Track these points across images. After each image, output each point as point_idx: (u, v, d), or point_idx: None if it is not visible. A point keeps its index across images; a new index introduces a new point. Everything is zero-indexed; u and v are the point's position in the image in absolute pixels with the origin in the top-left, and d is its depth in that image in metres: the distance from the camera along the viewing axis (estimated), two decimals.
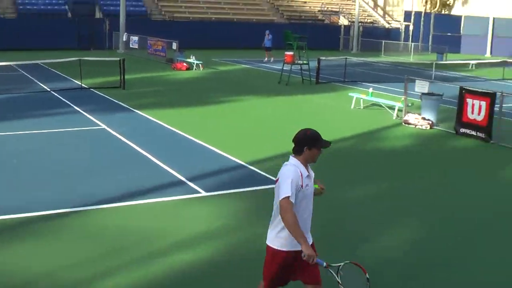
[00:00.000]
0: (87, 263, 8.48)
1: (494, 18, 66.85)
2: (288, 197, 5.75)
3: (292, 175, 5.86)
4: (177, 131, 17.83)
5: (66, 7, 51.27)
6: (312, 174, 6.20)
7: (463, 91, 19.04)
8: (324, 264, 5.89)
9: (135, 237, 9.55)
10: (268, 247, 6.13)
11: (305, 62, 30.43)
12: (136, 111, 21.07)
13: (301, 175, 5.92)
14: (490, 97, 18.12)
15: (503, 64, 41.35)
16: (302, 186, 5.90)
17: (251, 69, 38.49)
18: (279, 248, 6.01)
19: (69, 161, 14.20)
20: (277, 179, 6.00)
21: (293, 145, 6.12)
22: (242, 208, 11.21)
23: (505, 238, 10.30)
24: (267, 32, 43.77)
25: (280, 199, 5.79)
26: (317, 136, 6.10)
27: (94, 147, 15.73)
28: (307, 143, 6.02)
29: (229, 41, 52.71)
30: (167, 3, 57.15)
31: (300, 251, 5.80)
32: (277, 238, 6.00)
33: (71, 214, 10.46)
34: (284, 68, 30.77)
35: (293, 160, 6.08)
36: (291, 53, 30.18)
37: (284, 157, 14.90)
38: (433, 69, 36.32)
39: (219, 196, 11.85)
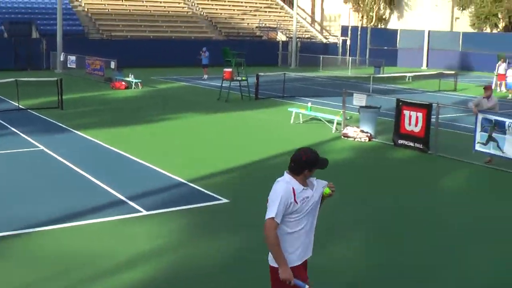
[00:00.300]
0: (30, 287, 8.32)
1: (429, 31, 68.22)
2: (273, 218, 5.69)
3: (281, 194, 5.74)
4: (116, 150, 17.65)
5: (2, 27, 50.37)
6: (316, 183, 6.10)
7: (400, 103, 19.38)
8: (306, 287, 5.76)
9: (77, 258, 9.39)
10: (273, 268, 5.96)
11: (243, 78, 30.54)
12: (75, 131, 20.80)
13: (294, 192, 5.79)
14: (427, 109, 18.48)
15: (439, 76, 42.19)
16: (296, 202, 5.78)
17: (190, 86, 38.40)
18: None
19: (8, 184, 13.94)
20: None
21: (292, 163, 5.92)
22: (184, 225, 11.15)
23: (445, 246, 10.49)
24: (203, 49, 43.70)
25: (265, 218, 5.74)
26: (317, 158, 5.95)
27: (32, 169, 15.45)
28: (308, 166, 5.89)
29: (167, 59, 52.48)
30: (105, 21, 56.70)
31: (306, 261, 5.99)
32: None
33: (12, 238, 10.25)
34: (223, 85, 30.78)
35: (287, 176, 5.93)
36: (229, 69, 30.24)
37: (225, 174, 15.04)
38: (371, 83, 36.89)
39: (160, 214, 11.76)
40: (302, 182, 5.90)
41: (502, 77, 39.57)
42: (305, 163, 5.87)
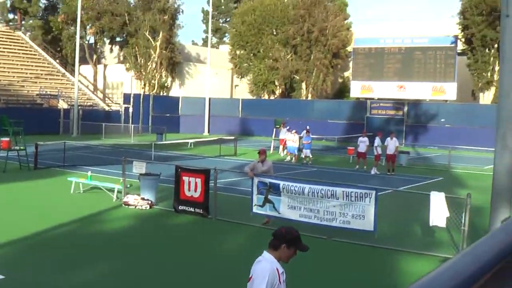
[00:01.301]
0: None
1: (210, 99, 70.16)
2: None
3: (268, 274, 5.62)
4: None
5: None
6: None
7: (179, 169, 19.64)
8: None
9: None
10: None
11: (21, 147, 29.54)
12: None
13: (278, 272, 5.72)
14: (205, 174, 18.88)
15: (220, 141, 43.37)
16: (280, 281, 5.70)
17: None
18: None
19: None
20: (251, 276, 5.74)
21: (272, 237, 5.94)
22: None
23: None
24: None
25: None
26: (297, 237, 5.94)
27: None
28: (287, 241, 5.84)
29: None
30: None
31: None
32: None
33: None
34: (0, 155, 29.56)
35: (267, 255, 5.85)
36: (7, 139, 29.19)
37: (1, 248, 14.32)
38: (153, 150, 37.09)
39: None
40: (278, 259, 5.87)
41: (283, 141, 41.67)
42: (284, 236, 5.89)
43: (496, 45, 59.03)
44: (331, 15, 75.53)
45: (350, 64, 73.87)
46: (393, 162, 33.61)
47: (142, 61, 75.80)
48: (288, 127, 42.20)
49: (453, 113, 60.34)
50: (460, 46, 66.78)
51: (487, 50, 64.47)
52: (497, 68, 56.74)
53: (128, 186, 21.68)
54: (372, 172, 32.96)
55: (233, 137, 46.10)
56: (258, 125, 65.76)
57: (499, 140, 14.15)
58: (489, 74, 64.26)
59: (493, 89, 62.86)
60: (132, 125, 60.88)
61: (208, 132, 68.85)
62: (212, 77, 73.64)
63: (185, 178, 19.18)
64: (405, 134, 60.94)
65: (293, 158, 38.96)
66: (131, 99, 67.50)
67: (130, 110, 66.72)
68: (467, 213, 14.70)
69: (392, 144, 33.46)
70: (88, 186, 23.30)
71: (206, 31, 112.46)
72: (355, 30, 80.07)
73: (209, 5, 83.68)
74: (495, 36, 58.44)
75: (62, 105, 63.63)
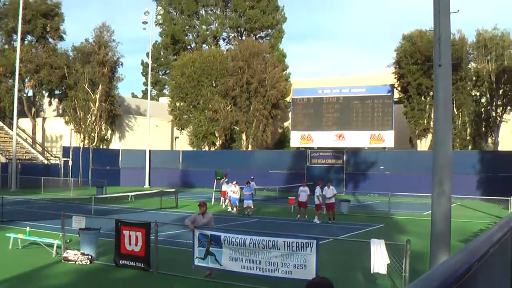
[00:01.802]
0: None
1: (150, 151, 69.85)
2: None
3: None
4: None
5: None
6: None
7: (119, 223, 19.43)
8: None
9: None
10: None
11: None
12: None
13: None
14: (145, 228, 18.72)
15: (161, 194, 43.13)
16: None
17: None
18: None
19: None
20: None
21: None
22: None
23: None
24: None
25: None
26: (317, 285, 5.68)
27: None
28: None
29: None
30: None
31: None
32: None
33: None
34: None
35: None
36: None
37: None
38: (93, 203, 36.62)
39: None
40: None
41: (224, 193, 41.79)
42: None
43: (431, 93, 60.43)
44: (269, 66, 76.42)
45: (290, 114, 74.57)
46: (333, 210, 33.78)
47: (81, 114, 75.24)
48: (226, 180, 42.40)
49: (392, 160, 61.30)
50: (397, 94, 68.25)
51: (422, 98, 66.06)
52: (433, 115, 58.05)
53: (68, 241, 21.32)
54: (315, 221, 33.05)
55: (174, 189, 45.90)
56: (199, 177, 65.67)
57: (436, 186, 14.41)
58: (425, 121, 65.75)
59: (430, 135, 64.20)
60: (72, 179, 60.15)
61: (149, 184, 68.39)
62: (152, 129, 73.48)
63: (126, 232, 18.97)
64: (345, 182, 61.64)
65: (235, 209, 38.92)
66: (71, 152, 66.71)
67: (70, 163, 65.93)
68: (407, 259, 14.88)
69: (330, 192, 33.69)
70: (27, 241, 22.86)
71: (145, 83, 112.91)
72: (294, 81, 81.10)
73: (148, 58, 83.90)
74: (430, 84, 59.90)
75: (0, 159, 62.62)
